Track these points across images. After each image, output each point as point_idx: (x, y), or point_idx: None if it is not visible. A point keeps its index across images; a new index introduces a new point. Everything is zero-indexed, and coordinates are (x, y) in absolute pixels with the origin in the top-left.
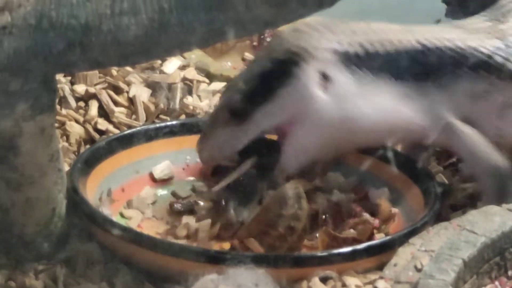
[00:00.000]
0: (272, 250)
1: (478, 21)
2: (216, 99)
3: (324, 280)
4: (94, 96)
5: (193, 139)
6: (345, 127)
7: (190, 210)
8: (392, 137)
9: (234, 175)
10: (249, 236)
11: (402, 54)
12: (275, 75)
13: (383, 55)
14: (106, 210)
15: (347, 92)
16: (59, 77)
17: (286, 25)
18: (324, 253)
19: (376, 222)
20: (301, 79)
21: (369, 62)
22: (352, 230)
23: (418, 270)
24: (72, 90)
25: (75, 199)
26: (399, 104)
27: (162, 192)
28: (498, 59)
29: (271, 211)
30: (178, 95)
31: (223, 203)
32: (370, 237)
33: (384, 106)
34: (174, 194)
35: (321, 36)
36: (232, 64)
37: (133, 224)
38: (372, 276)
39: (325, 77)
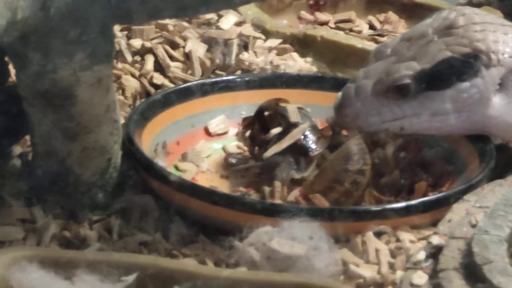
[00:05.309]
0: (338, 205)
1: None
2: (272, 56)
3: (378, 234)
4: (150, 51)
5: (249, 94)
6: (499, 128)
7: (245, 164)
8: None
9: (287, 142)
10: (314, 192)
11: None
12: (457, 67)
13: None
14: (161, 162)
15: None
16: (116, 31)
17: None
18: (379, 208)
19: (430, 179)
20: (484, 79)
21: None
22: None
23: (473, 226)
24: (128, 45)
25: (130, 150)
26: None
27: (217, 146)
28: None
29: (336, 166)
30: (234, 51)
31: (275, 166)
32: (425, 195)
33: None
34: (224, 149)
35: (506, 40)
36: (288, 22)
37: (187, 177)
38: (426, 232)
39: (502, 82)
